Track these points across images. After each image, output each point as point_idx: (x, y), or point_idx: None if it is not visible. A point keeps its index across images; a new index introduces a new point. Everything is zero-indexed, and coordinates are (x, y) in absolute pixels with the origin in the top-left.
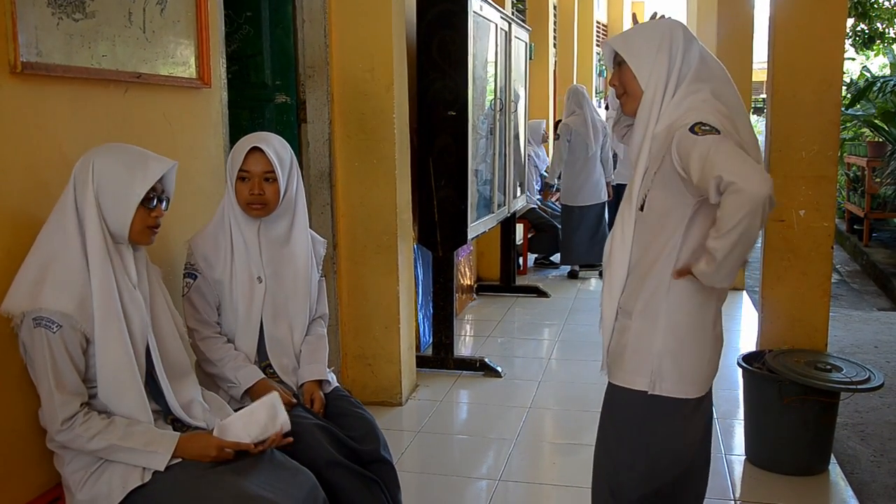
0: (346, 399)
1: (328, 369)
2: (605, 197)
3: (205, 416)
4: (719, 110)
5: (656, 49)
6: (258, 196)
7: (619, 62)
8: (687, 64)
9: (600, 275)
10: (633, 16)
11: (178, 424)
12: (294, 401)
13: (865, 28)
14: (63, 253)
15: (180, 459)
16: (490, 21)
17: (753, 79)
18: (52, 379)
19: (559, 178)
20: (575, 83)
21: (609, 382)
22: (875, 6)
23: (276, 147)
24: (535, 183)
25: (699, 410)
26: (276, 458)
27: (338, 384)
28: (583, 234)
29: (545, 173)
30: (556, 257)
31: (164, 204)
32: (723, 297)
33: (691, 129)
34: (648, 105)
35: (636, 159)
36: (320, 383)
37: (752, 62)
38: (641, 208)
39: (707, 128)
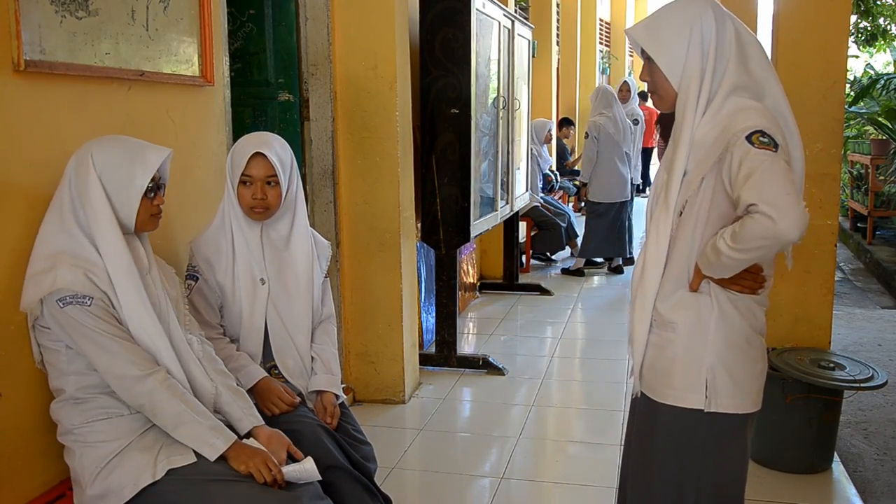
0: (352, 426)
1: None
2: (628, 195)
3: (210, 395)
4: (770, 119)
5: (686, 43)
6: (261, 200)
7: (647, 56)
8: (722, 54)
9: (613, 269)
10: None
11: None
12: (298, 400)
13: (868, 25)
14: (71, 246)
15: (195, 461)
16: (493, 19)
17: None
18: (110, 338)
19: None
20: (603, 83)
21: (650, 402)
22: (878, 3)
23: (277, 150)
24: (538, 181)
25: (753, 425)
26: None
27: (344, 397)
28: (603, 229)
29: (548, 172)
30: (557, 255)
31: (162, 191)
32: (766, 304)
33: (748, 138)
34: (683, 107)
35: (671, 163)
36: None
37: None
38: (681, 214)
39: (766, 139)
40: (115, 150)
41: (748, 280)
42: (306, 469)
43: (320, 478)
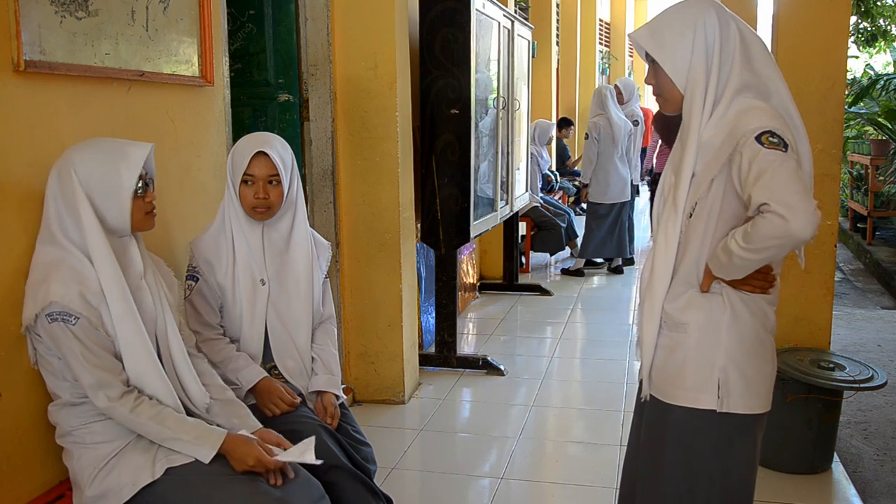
0: (351, 427)
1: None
2: (628, 196)
3: (203, 402)
4: (778, 119)
5: (690, 45)
6: (263, 200)
7: (651, 60)
8: (726, 55)
9: (613, 270)
10: None
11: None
12: (298, 400)
13: (868, 26)
14: (64, 259)
15: (194, 459)
16: (493, 19)
17: None
18: (89, 363)
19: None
20: (603, 83)
21: (660, 404)
22: (878, 4)
23: (279, 150)
24: (538, 182)
25: (763, 426)
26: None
27: (344, 398)
28: (604, 230)
29: (548, 172)
30: (556, 255)
31: (151, 187)
32: (776, 303)
33: (758, 139)
34: (689, 109)
35: (678, 166)
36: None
37: None
38: (690, 216)
39: (775, 140)
40: (96, 156)
41: (759, 280)
42: (302, 451)
43: (319, 462)
